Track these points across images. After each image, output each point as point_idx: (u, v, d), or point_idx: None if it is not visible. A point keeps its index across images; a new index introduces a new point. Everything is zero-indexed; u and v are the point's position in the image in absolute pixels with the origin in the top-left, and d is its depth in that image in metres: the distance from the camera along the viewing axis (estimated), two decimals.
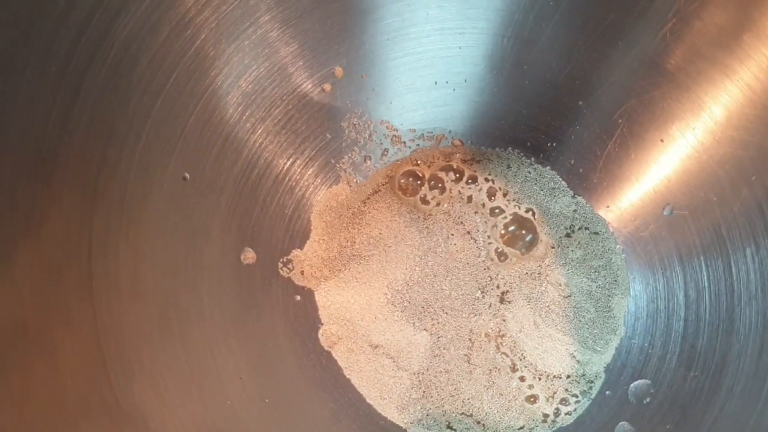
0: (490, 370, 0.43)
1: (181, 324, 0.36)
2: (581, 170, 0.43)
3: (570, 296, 0.43)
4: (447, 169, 0.45)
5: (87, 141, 0.32)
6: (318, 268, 0.43)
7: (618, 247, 0.43)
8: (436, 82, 0.43)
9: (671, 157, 0.39)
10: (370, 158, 0.44)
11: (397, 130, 0.44)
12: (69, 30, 0.30)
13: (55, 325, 0.30)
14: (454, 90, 0.43)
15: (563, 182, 0.44)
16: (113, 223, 0.33)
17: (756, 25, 0.33)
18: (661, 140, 0.39)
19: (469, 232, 0.44)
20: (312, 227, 0.43)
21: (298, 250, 0.43)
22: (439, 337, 0.43)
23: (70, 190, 0.31)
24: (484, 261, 0.44)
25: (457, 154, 0.45)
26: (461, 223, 0.45)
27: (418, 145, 0.45)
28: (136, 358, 0.34)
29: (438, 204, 0.45)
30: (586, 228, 0.43)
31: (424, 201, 0.45)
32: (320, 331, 0.43)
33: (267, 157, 0.41)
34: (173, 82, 0.35)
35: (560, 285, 0.43)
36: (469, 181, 0.45)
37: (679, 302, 0.39)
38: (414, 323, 0.43)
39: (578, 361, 0.42)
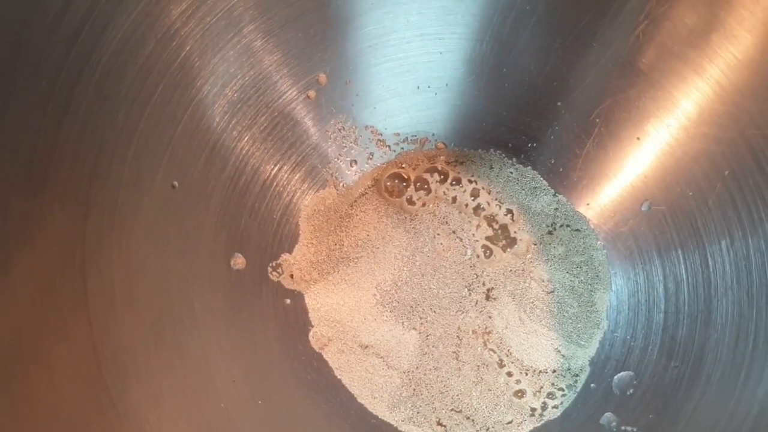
0: (478, 366, 0.43)
1: (175, 330, 0.36)
2: (561, 169, 0.43)
3: (553, 292, 0.43)
4: (431, 170, 0.45)
5: (78, 152, 0.32)
6: (307, 271, 0.43)
7: (599, 243, 0.43)
8: (418, 87, 0.43)
9: (647, 154, 0.39)
10: (356, 162, 0.45)
11: (381, 134, 0.44)
12: (59, 43, 0.30)
13: (51, 333, 0.30)
14: (435, 94, 0.43)
15: (544, 181, 0.44)
16: (105, 232, 0.33)
17: (723, 25, 0.34)
18: (638, 138, 0.39)
19: (454, 232, 0.44)
20: (300, 231, 0.43)
21: (287, 254, 0.43)
22: (427, 336, 0.43)
23: (62, 201, 0.31)
24: (469, 259, 0.44)
25: (441, 157, 0.45)
26: (446, 222, 0.45)
27: (403, 148, 0.45)
28: (132, 364, 0.34)
29: (424, 205, 0.45)
30: (568, 225, 0.44)
31: (410, 202, 0.45)
32: (311, 333, 0.43)
33: (254, 163, 0.41)
34: (160, 92, 0.35)
35: (543, 281, 0.43)
36: (454, 182, 0.45)
37: (659, 295, 0.39)
38: (403, 323, 0.43)
39: (563, 356, 0.42)
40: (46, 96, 0.30)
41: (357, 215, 0.45)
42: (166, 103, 0.35)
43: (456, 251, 0.44)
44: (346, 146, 0.44)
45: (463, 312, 0.43)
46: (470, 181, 0.45)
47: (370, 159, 0.45)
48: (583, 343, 0.42)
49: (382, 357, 0.43)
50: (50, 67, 0.30)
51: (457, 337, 0.43)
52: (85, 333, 0.32)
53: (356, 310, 0.43)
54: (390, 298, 0.44)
